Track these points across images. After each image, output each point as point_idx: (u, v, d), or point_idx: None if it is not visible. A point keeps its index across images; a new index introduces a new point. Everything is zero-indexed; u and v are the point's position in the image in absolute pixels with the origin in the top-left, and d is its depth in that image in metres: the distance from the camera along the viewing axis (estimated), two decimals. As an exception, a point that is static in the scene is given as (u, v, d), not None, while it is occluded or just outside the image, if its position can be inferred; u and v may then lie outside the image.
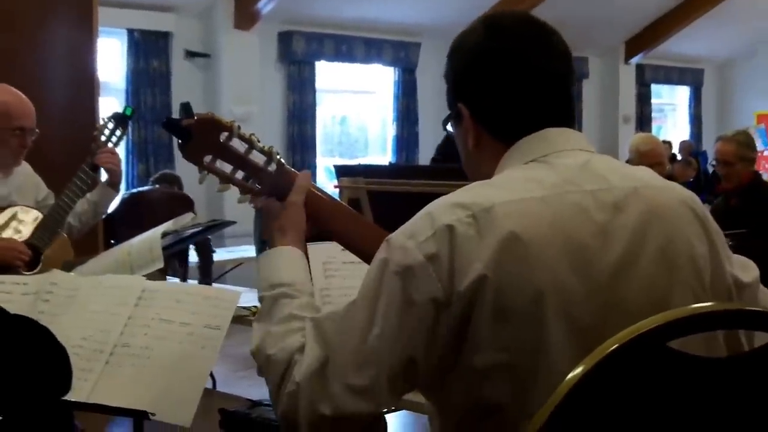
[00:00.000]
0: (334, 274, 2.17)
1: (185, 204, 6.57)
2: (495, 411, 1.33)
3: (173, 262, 6.27)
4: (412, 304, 1.30)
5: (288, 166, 1.64)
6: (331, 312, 1.40)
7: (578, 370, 1.17)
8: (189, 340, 1.91)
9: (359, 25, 10.58)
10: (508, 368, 1.30)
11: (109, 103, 8.05)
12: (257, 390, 4.63)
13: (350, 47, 10.68)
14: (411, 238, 1.33)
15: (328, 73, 10.70)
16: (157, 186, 7.29)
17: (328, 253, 2.19)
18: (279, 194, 1.62)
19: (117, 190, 3.60)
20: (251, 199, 1.65)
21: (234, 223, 3.39)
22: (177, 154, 9.15)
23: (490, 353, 1.30)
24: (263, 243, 5.78)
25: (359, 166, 5.20)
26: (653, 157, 4.98)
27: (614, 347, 1.16)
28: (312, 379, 1.34)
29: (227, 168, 1.58)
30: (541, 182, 1.37)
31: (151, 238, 2.73)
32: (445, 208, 1.34)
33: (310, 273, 1.60)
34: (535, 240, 1.30)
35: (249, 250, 7.94)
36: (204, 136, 1.56)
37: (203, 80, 9.55)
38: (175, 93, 9.25)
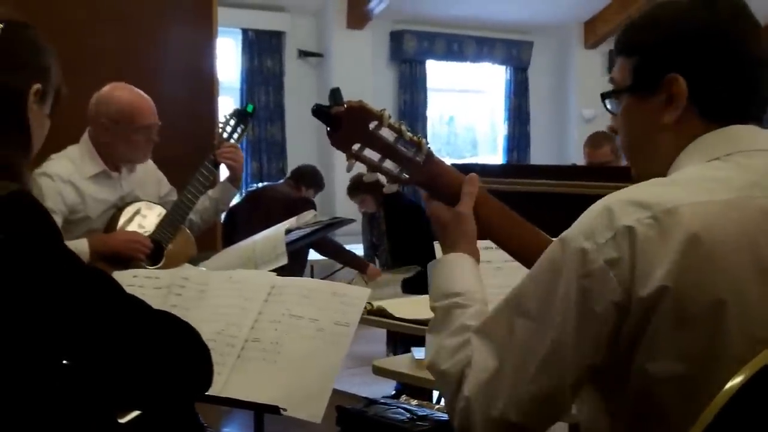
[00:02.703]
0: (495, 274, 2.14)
1: (303, 204, 6.53)
2: (660, 418, 1.29)
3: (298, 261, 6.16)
4: (592, 310, 1.26)
5: (438, 157, 1.61)
6: (494, 318, 1.36)
7: (737, 379, 1.12)
8: (318, 336, 1.91)
9: (471, 23, 10.53)
10: (682, 377, 1.26)
11: (225, 102, 8.16)
12: (370, 388, 4.62)
13: (461, 46, 10.63)
14: (589, 239, 1.27)
15: (436, 72, 10.67)
16: (280, 181, 7.22)
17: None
18: (427, 185, 1.60)
19: (237, 187, 3.64)
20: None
21: (353, 221, 3.39)
22: (289, 151, 9.25)
23: (666, 361, 1.25)
24: (373, 246, 5.80)
25: (476, 165, 5.16)
26: None
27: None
28: (482, 391, 1.32)
29: (375, 156, 1.57)
30: (727, 184, 1.31)
31: (275, 234, 2.75)
32: (624, 207, 1.28)
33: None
34: (719, 245, 1.24)
35: (358, 249, 7.97)
36: (353, 125, 1.54)
37: (316, 79, 9.63)
38: (287, 92, 9.35)
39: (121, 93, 3.31)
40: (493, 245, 1.67)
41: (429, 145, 1.59)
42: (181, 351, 1.48)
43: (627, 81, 1.46)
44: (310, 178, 6.94)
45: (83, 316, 1.41)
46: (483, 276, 1.58)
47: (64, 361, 1.48)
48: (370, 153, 1.57)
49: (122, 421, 1.57)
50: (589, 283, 1.26)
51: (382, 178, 1.61)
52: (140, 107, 3.30)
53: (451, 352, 1.40)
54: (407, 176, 1.59)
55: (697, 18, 1.40)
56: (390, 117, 1.55)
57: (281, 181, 7.25)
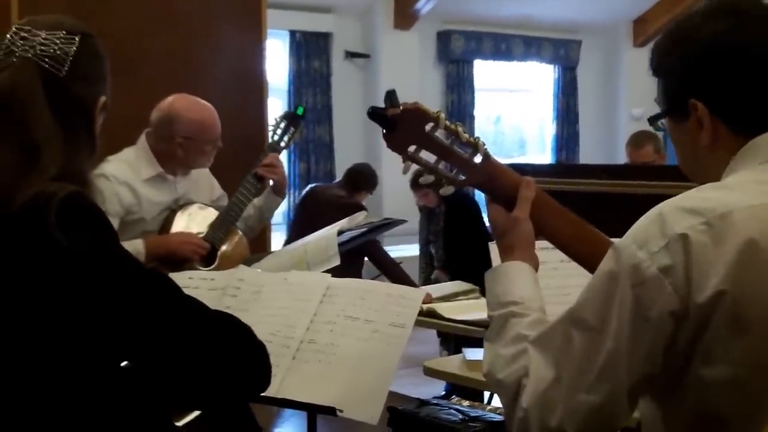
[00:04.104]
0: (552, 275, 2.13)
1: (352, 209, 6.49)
2: (718, 426, 1.28)
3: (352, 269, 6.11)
4: (647, 319, 1.25)
5: (494, 158, 1.60)
6: (552, 328, 1.35)
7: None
8: (374, 338, 1.91)
9: (518, 23, 10.49)
10: (740, 383, 1.24)
11: (272, 104, 8.18)
12: (419, 389, 4.61)
13: (509, 46, 10.59)
14: (642, 248, 1.26)
15: (484, 72, 10.63)
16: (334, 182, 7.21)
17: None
18: (484, 186, 1.59)
19: (282, 197, 3.63)
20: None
21: (405, 221, 3.39)
22: (337, 153, 9.26)
23: (723, 367, 1.24)
24: (428, 243, 5.73)
25: (526, 165, 5.14)
26: None
27: None
28: (540, 402, 1.31)
29: (431, 158, 1.56)
30: None
31: (327, 236, 2.75)
32: (677, 214, 1.27)
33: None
34: None
35: (407, 249, 7.96)
36: (409, 127, 1.54)
37: (362, 80, 9.65)
38: (335, 93, 9.38)
39: (189, 110, 3.34)
40: (549, 246, 1.66)
41: (486, 146, 1.58)
42: (239, 352, 1.49)
43: (663, 104, 1.45)
44: (364, 178, 6.84)
45: (142, 318, 1.42)
46: (540, 277, 1.57)
47: (123, 363, 1.50)
48: (426, 155, 1.57)
49: (179, 424, 1.59)
50: (643, 292, 1.25)
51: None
52: (210, 120, 3.37)
53: (508, 361, 1.39)
54: (464, 178, 1.58)
55: (701, 36, 1.37)
56: (446, 118, 1.55)
57: (335, 182, 7.22)
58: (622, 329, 1.26)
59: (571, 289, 2.00)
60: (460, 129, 1.56)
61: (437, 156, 1.57)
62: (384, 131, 1.54)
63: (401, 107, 1.54)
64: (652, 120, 1.49)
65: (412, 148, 1.55)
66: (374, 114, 1.53)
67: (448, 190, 1.60)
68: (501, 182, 1.60)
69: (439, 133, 1.55)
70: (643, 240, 1.27)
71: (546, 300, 1.51)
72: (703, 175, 1.43)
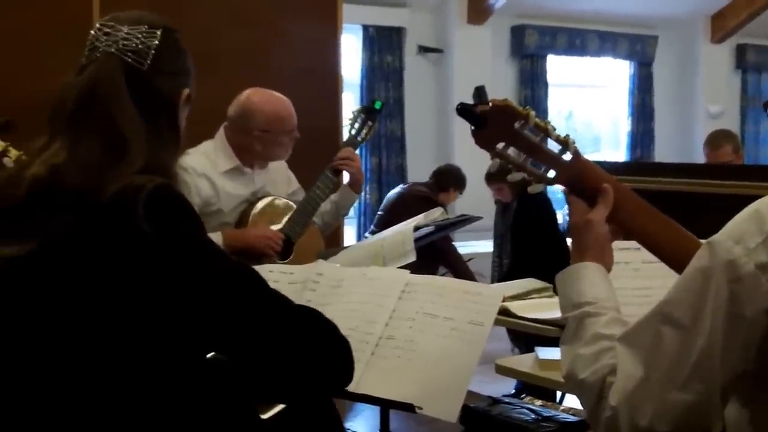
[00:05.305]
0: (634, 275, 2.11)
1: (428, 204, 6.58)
2: None
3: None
4: (743, 317, 1.23)
5: (584, 157, 1.59)
6: (640, 326, 1.33)
7: None
8: (453, 335, 1.90)
9: (593, 17, 10.37)
10: None
11: (345, 98, 8.21)
12: (491, 386, 4.57)
13: (583, 41, 10.48)
14: (738, 244, 1.24)
15: (556, 67, 10.54)
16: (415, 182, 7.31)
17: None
18: (573, 185, 1.58)
19: (358, 192, 3.67)
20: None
21: (481, 218, 3.37)
22: (408, 147, 9.22)
23: None
24: (501, 237, 5.63)
25: (603, 162, 5.10)
26: None
27: None
28: (629, 400, 1.29)
29: (519, 155, 1.56)
30: None
31: (404, 231, 2.75)
32: None
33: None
34: None
35: (479, 246, 7.92)
36: (498, 123, 1.53)
37: (435, 75, 9.62)
38: (407, 88, 9.36)
39: (265, 103, 3.41)
40: (631, 246, 1.64)
41: (575, 144, 1.57)
42: (323, 346, 1.50)
43: None
44: (453, 177, 6.97)
45: (229, 309, 1.44)
46: (621, 278, 1.55)
47: (209, 355, 1.52)
48: (514, 152, 1.56)
49: (264, 416, 1.60)
50: (739, 288, 1.23)
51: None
52: (285, 112, 3.43)
53: (589, 361, 1.38)
54: (553, 176, 1.58)
55: None
56: (536, 116, 1.54)
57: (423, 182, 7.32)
58: (716, 326, 1.24)
59: (654, 290, 1.96)
60: (549, 126, 1.55)
61: (526, 153, 1.56)
62: (472, 128, 1.53)
63: (490, 103, 1.53)
64: (767, 106, 1.46)
65: (500, 145, 1.54)
66: (463, 110, 1.52)
67: (537, 187, 1.59)
68: (591, 182, 1.58)
69: (528, 131, 1.54)
70: (739, 236, 1.25)
71: (628, 301, 1.50)
72: None
